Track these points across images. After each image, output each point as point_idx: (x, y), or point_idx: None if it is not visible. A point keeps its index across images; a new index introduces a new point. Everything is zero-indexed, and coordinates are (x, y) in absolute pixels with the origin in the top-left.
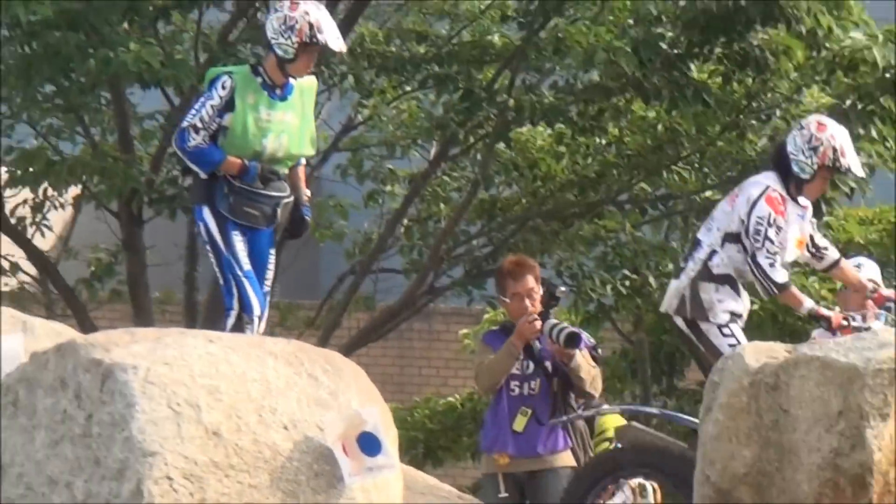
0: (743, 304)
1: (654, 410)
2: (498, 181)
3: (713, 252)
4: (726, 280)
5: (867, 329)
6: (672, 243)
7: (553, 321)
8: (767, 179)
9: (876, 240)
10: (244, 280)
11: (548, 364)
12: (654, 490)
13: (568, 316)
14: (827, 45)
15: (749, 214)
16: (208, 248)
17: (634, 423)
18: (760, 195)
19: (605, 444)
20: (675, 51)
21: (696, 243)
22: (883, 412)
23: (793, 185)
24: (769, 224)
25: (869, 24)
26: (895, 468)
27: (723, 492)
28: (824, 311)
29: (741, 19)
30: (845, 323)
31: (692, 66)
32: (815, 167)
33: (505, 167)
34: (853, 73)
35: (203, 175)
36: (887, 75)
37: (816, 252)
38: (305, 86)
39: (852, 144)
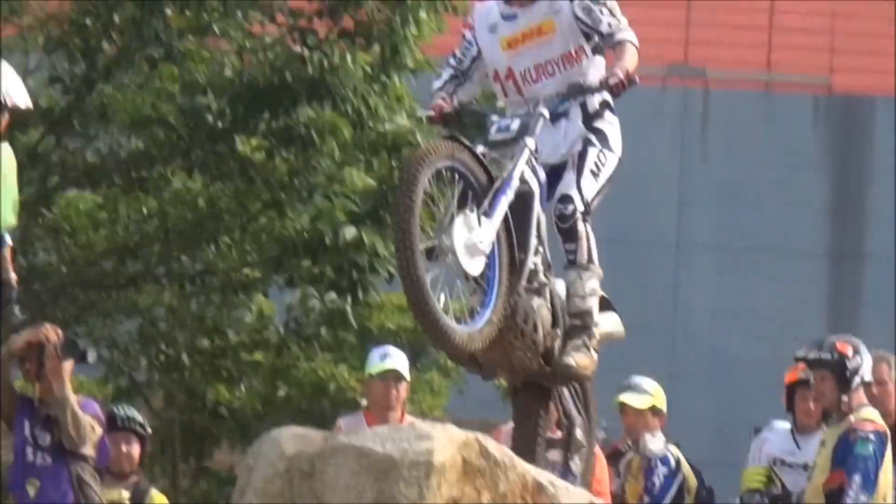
0: None
1: None
2: (38, 247)
3: None
4: None
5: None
6: (208, 320)
7: None
8: None
9: (409, 327)
10: None
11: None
12: None
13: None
14: (371, 124)
15: None
16: None
17: None
18: None
19: None
20: (220, 124)
21: None
22: None
23: None
24: None
25: (416, 108)
26: None
27: None
28: None
29: (287, 95)
30: None
31: (238, 140)
32: None
33: (46, 233)
34: (397, 155)
35: None
36: None
37: None
38: None
39: None
